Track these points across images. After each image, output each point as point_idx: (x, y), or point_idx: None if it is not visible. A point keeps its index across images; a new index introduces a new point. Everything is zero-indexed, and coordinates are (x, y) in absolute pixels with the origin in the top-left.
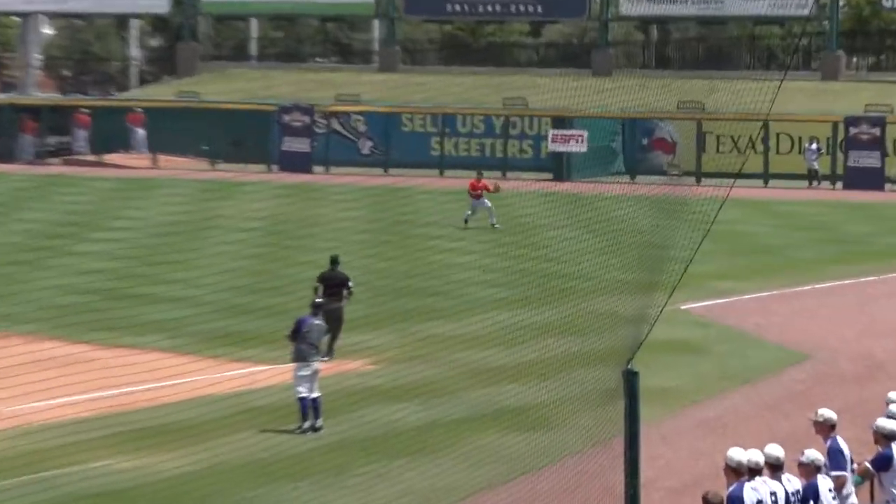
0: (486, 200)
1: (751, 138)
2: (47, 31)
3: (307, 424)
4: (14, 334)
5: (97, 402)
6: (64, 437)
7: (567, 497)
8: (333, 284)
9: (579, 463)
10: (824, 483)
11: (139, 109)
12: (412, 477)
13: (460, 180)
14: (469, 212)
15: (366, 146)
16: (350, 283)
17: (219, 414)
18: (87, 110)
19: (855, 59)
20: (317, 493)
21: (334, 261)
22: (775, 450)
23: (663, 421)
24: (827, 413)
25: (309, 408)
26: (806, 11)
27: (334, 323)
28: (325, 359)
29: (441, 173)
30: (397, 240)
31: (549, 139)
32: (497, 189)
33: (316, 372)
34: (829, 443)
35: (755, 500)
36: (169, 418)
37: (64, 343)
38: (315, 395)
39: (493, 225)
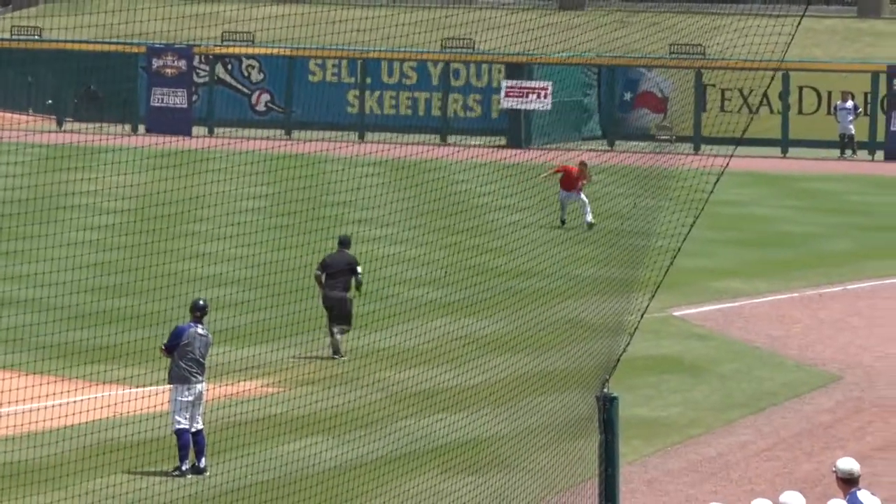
0: (582, 193)
1: (766, 93)
2: None
3: (187, 465)
4: None
5: None
6: None
7: None
8: (337, 270)
9: None
10: None
11: None
12: None
13: (384, 146)
14: (564, 207)
15: (261, 101)
16: (359, 270)
17: (73, 453)
18: None
19: None
20: None
21: (343, 242)
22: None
23: (649, 460)
24: (844, 464)
25: (190, 443)
26: None
27: (338, 317)
28: (344, 357)
29: (360, 137)
30: (302, 224)
31: (503, 93)
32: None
33: (200, 396)
34: (847, 500)
35: None
36: (3, 457)
37: None
38: (198, 426)
39: (589, 224)
